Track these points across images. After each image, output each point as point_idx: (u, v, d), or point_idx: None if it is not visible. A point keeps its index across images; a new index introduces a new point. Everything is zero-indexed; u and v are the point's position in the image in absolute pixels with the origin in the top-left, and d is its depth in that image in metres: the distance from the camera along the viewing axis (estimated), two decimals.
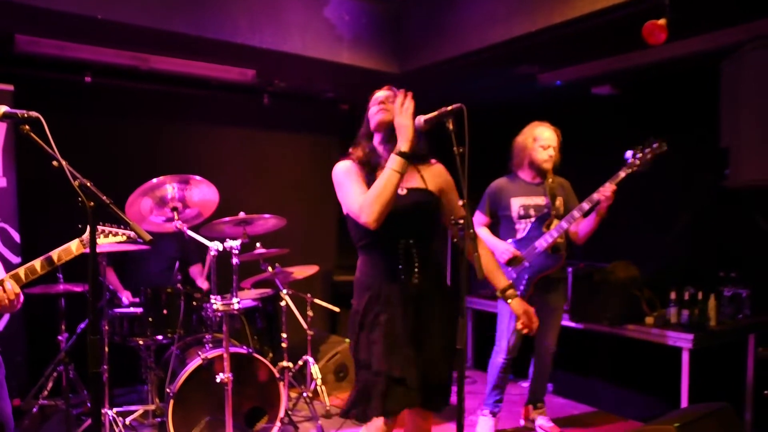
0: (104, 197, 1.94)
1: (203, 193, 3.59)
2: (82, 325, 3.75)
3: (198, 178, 3.50)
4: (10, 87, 4.01)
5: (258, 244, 4.00)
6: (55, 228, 3.15)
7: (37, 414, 3.62)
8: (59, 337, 3.67)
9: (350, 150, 2.40)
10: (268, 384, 3.49)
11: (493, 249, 3.59)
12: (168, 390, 3.28)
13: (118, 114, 4.76)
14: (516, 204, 3.64)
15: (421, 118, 2.21)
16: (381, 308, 2.24)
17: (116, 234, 2.51)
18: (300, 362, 4.27)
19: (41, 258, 2.28)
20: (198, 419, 3.28)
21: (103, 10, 3.42)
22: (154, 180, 3.37)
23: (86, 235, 2.34)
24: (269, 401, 3.48)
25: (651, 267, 4.34)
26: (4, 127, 3.98)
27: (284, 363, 3.89)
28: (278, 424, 3.46)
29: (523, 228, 3.63)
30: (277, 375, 3.50)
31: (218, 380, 3.12)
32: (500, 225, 3.75)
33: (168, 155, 4.83)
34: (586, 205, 3.41)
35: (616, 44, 3.90)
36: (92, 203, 1.92)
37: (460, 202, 2.10)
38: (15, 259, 3.95)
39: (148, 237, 1.97)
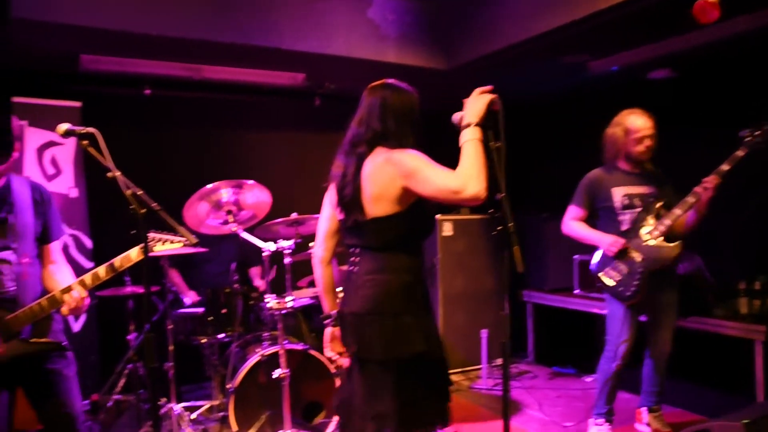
0: (154, 204, 2.06)
1: (256, 196, 3.71)
2: (148, 325, 3.93)
3: (250, 182, 3.63)
4: (78, 103, 4.26)
5: (311, 244, 4.07)
6: (122, 234, 3.33)
7: (112, 408, 3.85)
8: (128, 337, 3.88)
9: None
10: (325, 379, 3.57)
11: (597, 242, 3.42)
12: (228, 386, 3.42)
13: (175, 123, 4.99)
14: (618, 194, 3.41)
15: (458, 115, 2.09)
16: (426, 308, 2.25)
17: (172, 242, 2.63)
18: None
19: (105, 265, 2.44)
20: (258, 413, 3.40)
21: (157, 27, 3.61)
22: (209, 185, 3.52)
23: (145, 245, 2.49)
24: (326, 396, 3.57)
25: (718, 256, 4.15)
26: (74, 141, 4.25)
27: None
28: (336, 418, 3.53)
29: (627, 219, 3.39)
30: (333, 370, 3.58)
31: (275, 376, 3.24)
32: (599, 218, 3.52)
33: (223, 160, 5.01)
34: (691, 199, 3.17)
35: (669, 26, 3.75)
36: (143, 210, 2.05)
37: (498, 196, 2.07)
38: (87, 264, 4.21)
39: (195, 240, 2.09)
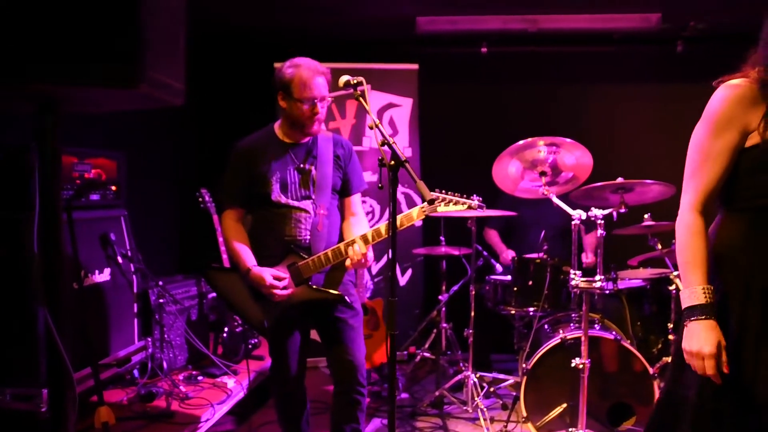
0: (402, 156, 1.91)
1: (575, 156, 3.24)
2: (455, 288, 3.89)
3: (569, 141, 3.18)
4: (415, 66, 4.40)
5: (646, 216, 3.43)
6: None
7: (419, 363, 3.97)
8: (440, 297, 3.89)
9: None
10: (641, 380, 2.95)
11: None
12: (524, 365, 3.11)
13: (509, 80, 4.78)
14: None
15: None
16: None
17: (456, 203, 2.47)
18: None
19: (386, 222, 2.41)
20: (554, 403, 3.01)
21: None
22: (521, 141, 3.20)
23: (426, 205, 2.37)
24: (641, 400, 2.95)
25: None
26: (410, 104, 4.41)
27: (668, 359, 3.23)
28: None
29: None
30: (651, 371, 2.93)
31: (573, 365, 2.80)
32: None
33: (558, 117, 4.59)
34: None
35: None
36: (392, 162, 1.91)
37: None
38: (417, 222, 4.35)
39: (430, 196, 1.86)
